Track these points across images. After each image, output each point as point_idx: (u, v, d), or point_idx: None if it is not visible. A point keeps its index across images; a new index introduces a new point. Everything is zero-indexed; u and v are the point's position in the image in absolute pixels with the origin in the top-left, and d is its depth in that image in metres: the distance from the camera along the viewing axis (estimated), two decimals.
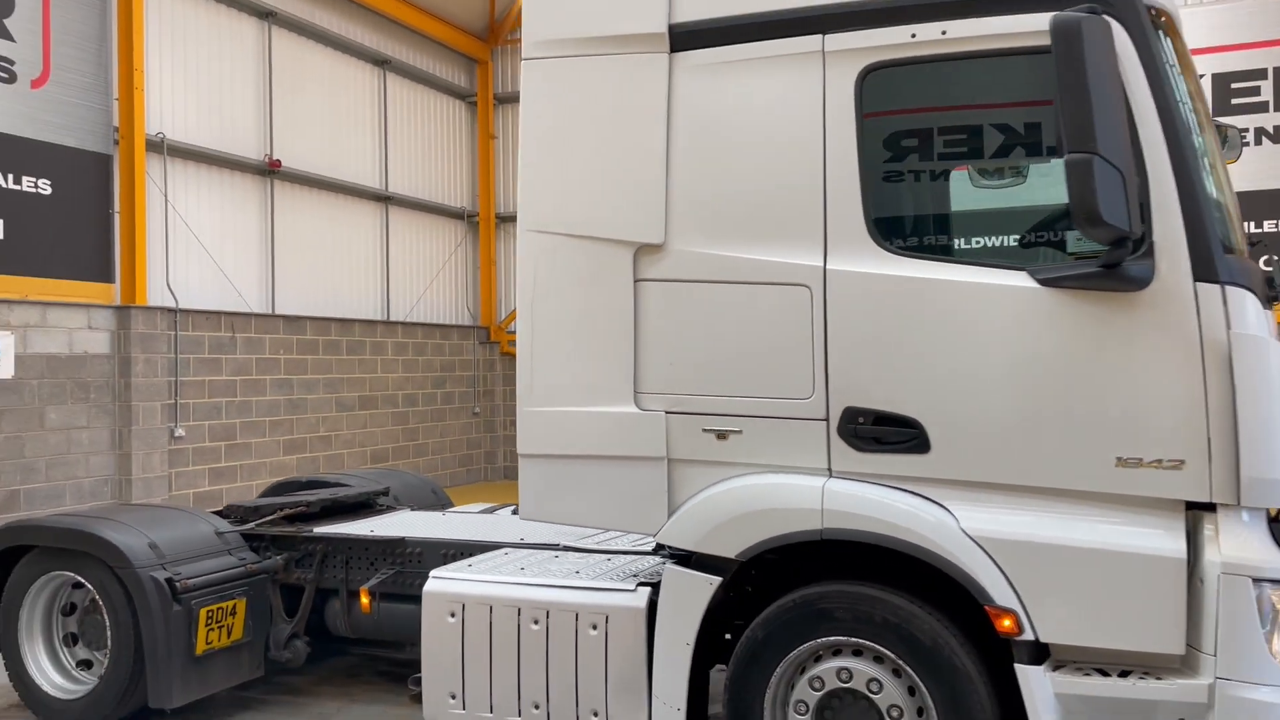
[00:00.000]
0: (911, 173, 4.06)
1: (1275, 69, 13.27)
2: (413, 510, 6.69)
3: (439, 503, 7.18)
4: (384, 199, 15.31)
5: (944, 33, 3.87)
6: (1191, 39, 13.24)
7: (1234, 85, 13.49)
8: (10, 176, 10.04)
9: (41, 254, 10.33)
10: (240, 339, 12.59)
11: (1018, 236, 3.91)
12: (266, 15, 13.25)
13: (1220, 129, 5.20)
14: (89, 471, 10.81)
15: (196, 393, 11.97)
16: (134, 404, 11.13)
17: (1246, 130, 13.42)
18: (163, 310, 11.55)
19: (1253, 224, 13.36)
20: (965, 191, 4.06)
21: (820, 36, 4.04)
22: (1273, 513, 3.72)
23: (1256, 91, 13.39)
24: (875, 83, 3.99)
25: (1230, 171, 4.71)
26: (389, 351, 15.09)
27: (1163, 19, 3.93)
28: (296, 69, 13.77)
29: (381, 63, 15.26)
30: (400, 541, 5.58)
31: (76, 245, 10.71)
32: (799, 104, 4.06)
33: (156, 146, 11.66)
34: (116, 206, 11.16)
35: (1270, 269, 4.12)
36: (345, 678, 6.24)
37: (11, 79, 10.04)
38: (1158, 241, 3.58)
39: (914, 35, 3.91)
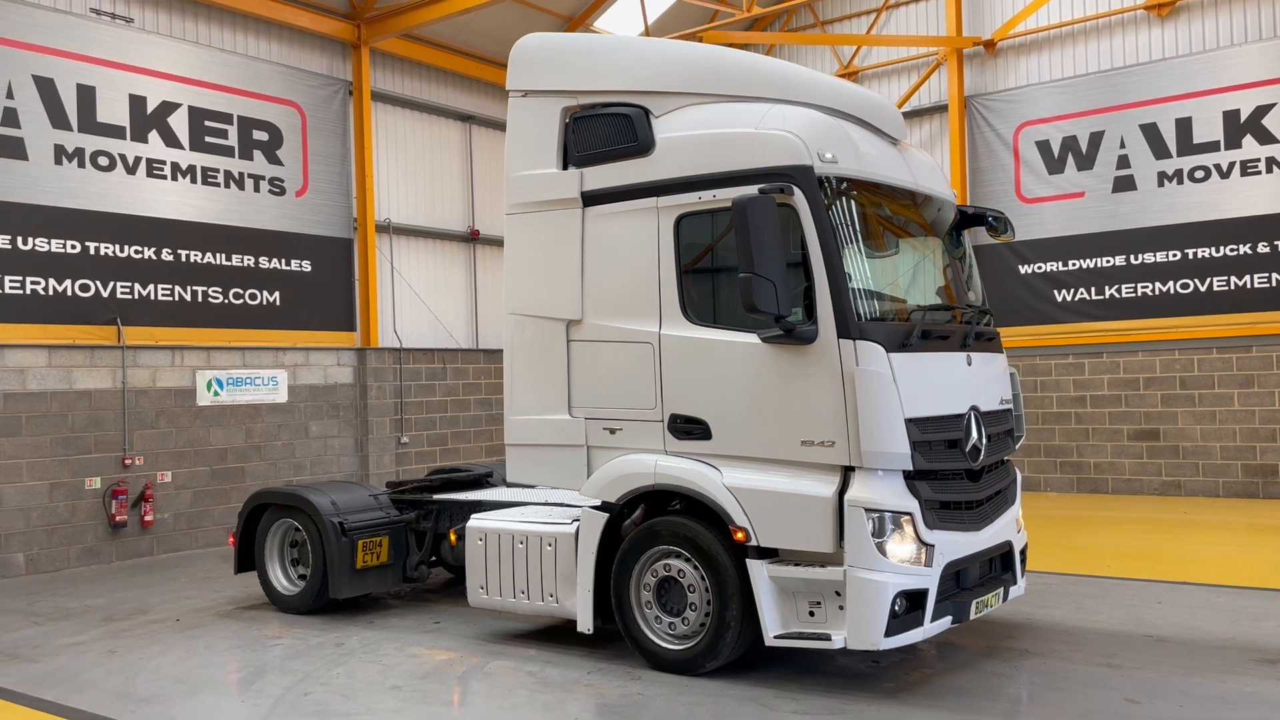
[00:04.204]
0: (704, 274, 6.87)
1: None
2: (507, 486, 9.92)
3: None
4: None
5: (714, 196, 6.67)
6: (1238, 76, 15.19)
7: None
8: (283, 261, 14.25)
9: (304, 313, 14.50)
10: (449, 369, 16.45)
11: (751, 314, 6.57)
12: (467, 119, 17.11)
13: (999, 218, 7.65)
14: (340, 469, 14.89)
15: (417, 410, 15.90)
16: (370, 420, 15.16)
17: None
18: (390, 350, 15.54)
19: None
20: (729, 288, 6.77)
21: (656, 199, 6.92)
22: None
23: None
24: (684, 225, 6.83)
25: None
26: None
27: (851, 188, 6.47)
28: (492, 156, 17.52)
29: None
30: (479, 502, 8.83)
31: (328, 306, 14.84)
32: (646, 237, 6.95)
33: (384, 228, 15.69)
34: (356, 275, 15.23)
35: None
36: (458, 595, 9.52)
37: (282, 193, 14.27)
38: (819, 316, 6.22)
39: (699, 198, 6.73)
